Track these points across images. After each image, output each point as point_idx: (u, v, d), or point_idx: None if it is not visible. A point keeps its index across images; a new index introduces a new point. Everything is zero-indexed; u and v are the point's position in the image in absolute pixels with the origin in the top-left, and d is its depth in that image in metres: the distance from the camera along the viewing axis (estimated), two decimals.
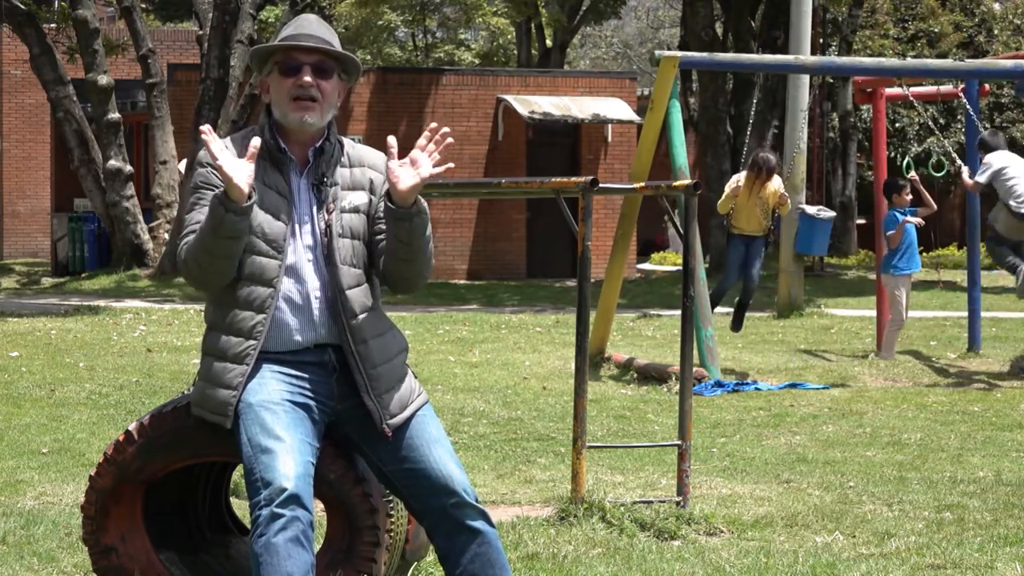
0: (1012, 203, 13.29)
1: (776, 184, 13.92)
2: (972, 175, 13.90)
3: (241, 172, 4.28)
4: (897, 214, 14.19)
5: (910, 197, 14.32)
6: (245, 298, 4.42)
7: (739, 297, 14.53)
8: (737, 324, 14.64)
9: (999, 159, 13.56)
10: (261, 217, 4.41)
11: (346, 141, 4.61)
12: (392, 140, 4.39)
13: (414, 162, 4.37)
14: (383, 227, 4.51)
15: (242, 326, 4.41)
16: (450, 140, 4.42)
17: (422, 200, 4.43)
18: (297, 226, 4.46)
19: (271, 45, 4.53)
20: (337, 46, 4.56)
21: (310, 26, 4.56)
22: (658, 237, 35.26)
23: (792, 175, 19.38)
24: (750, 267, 14.15)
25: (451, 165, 4.48)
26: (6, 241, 34.93)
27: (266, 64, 4.55)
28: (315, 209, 4.48)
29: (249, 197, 4.29)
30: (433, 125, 4.44)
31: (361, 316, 4.46)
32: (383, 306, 4.61)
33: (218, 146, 4.30)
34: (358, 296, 4.48)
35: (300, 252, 4.46)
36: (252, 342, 4.41)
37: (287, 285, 4.44)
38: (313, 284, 4.46)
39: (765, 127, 27.53)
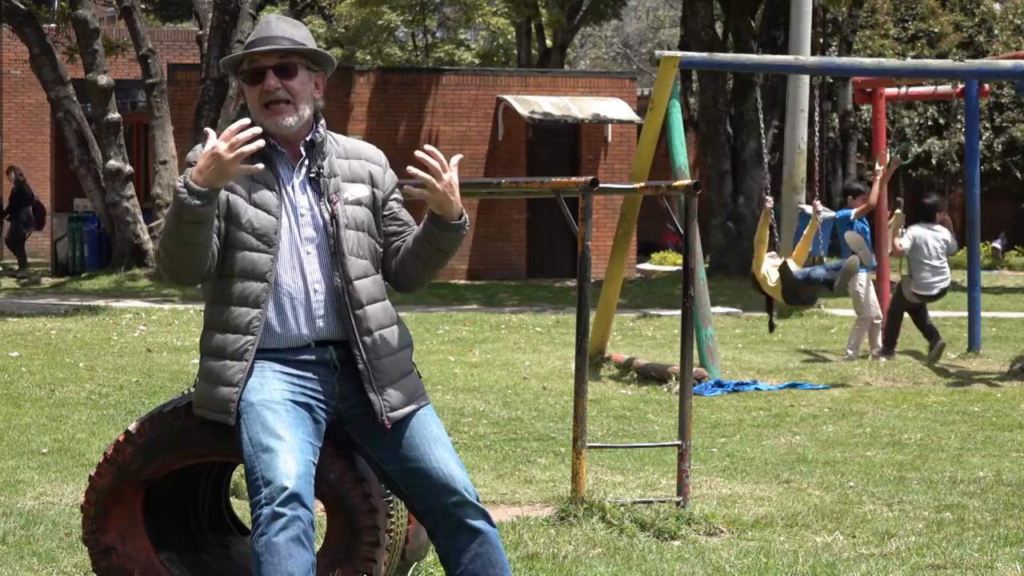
0: (913, 286, 14.23)
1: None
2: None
3: (225, 166, 4.22)
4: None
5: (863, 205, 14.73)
6: (239, 294, 4.41)
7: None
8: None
9: (919, 234, 14.24)
10: (251, 212, 4.39)
11: (333, 134, 4.60)
12: (417, 161, 4.41)
13: (436, 174, 4.38)
14: (396, 228, 4.56)
15: (238, 322, 4.40)
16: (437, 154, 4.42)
17: (464, 211, 4.48)
18: (292, 219, 4.44)
19: (234, 57, 4.50)
20: (301, 38, 4.49)
21: (269, 27, 4.51)
22: (663, 237, 35.18)
23: (792, 175, 19.37)
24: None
25: (460, 156, 4.50)
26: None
27: (239, 72, 4.54)
28: (315, 201, 4.48)
29: (213, 189, 4.25)
30: (421, 154, 4.42)
31: (368, 307, 4.45)
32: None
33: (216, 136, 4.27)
34: (366, 287, 4.47)
35: (297, 244, 4.44)
36: (250, 337, 4.39)
37: (283, 278, 4.43)
38: (313, 277, 4.44)
39: (765, 127, 27.52)
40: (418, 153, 4.41)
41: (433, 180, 4.38)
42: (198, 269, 4.37)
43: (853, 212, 14.46)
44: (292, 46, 4.45)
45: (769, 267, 13.62)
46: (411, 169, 4.44)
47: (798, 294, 13.56)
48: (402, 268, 4.57)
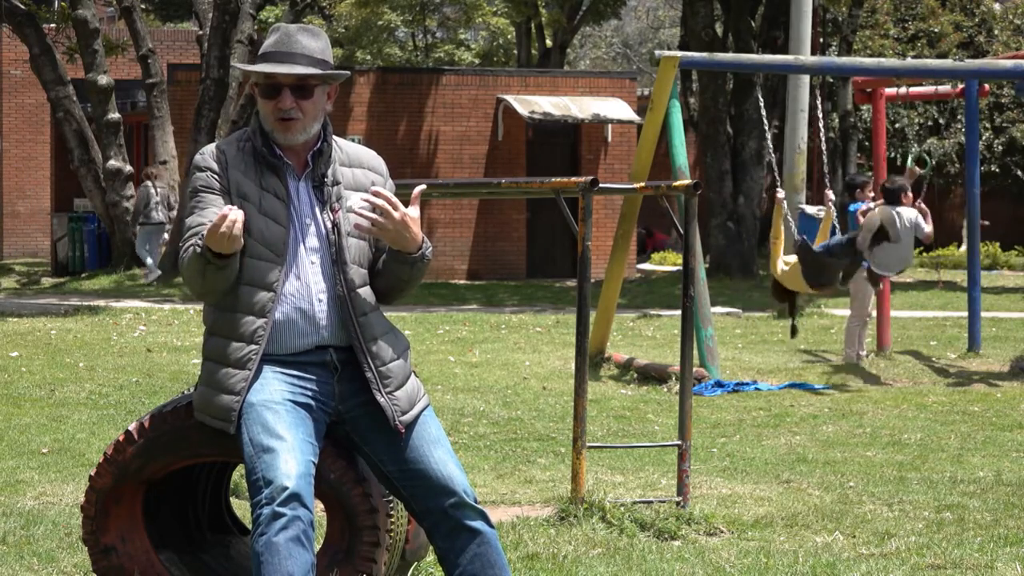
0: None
1: None
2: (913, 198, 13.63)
3: (231, 236, 4.21)
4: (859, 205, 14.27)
5: (872, 194, 14.39)
6: (246, 302, 4.41)
7: None
8: None
9: (885, 214, 13.15)
10: (260, 222, 4.39)
11: (337, 139, 4.59)
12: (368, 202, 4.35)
13: (386, 212, 4.32)
14: (382, 246, 4.52)
15: (244, 331, 4.40)
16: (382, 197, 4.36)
17: (427, 241, 4.45)
18: (298, 228, 4.45)
19: (251, 70, 4.45)
20: (320, 51, 4.45)
21: (290, 41, 4.45)
22: (657, 235, 35.12)
23: (792, 175, 19.38)
24: None
25: (422, 186, 4.46)
26: (6, 241, 34.92)
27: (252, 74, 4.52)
28: (319, 210, 4.47)
29: (231, 252, 4.26)
30: (368, 196, 4.35)
31: (370, 314, 4.47)
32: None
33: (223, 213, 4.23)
34: (366, 295, 4.48)
35: (302, 254, 4.44)
36: (254, 346, 4.40)
37: (289, 288, 4.43)
38: (318, 286, 4.44)
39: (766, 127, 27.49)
40: (364, 196, 4.35)
41: (383, 220, 4.32)
42: (227, 286, 4.39)
43: (873, 205, 14.24)
44: (311, 67, 4.41)
45: (782, 261, 13.22)
46: (356, 211, 4.35)
47: (820, 270, 12.81)
48: (378, 288, 4.55)
